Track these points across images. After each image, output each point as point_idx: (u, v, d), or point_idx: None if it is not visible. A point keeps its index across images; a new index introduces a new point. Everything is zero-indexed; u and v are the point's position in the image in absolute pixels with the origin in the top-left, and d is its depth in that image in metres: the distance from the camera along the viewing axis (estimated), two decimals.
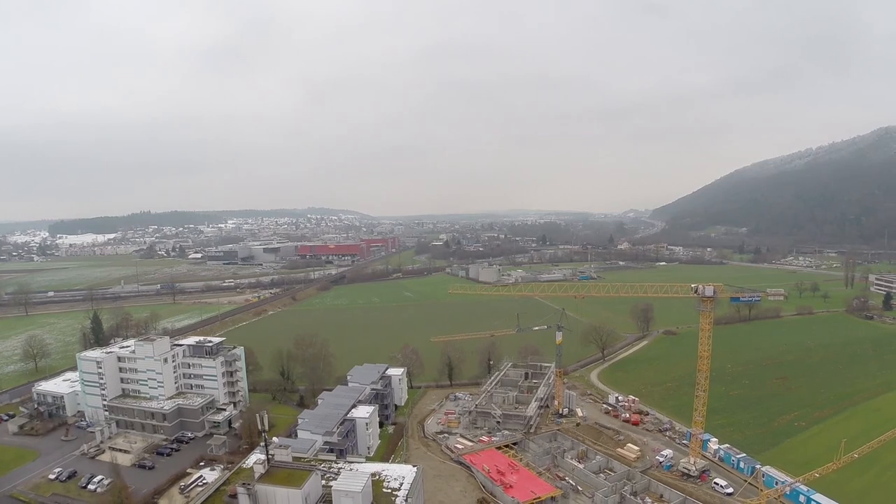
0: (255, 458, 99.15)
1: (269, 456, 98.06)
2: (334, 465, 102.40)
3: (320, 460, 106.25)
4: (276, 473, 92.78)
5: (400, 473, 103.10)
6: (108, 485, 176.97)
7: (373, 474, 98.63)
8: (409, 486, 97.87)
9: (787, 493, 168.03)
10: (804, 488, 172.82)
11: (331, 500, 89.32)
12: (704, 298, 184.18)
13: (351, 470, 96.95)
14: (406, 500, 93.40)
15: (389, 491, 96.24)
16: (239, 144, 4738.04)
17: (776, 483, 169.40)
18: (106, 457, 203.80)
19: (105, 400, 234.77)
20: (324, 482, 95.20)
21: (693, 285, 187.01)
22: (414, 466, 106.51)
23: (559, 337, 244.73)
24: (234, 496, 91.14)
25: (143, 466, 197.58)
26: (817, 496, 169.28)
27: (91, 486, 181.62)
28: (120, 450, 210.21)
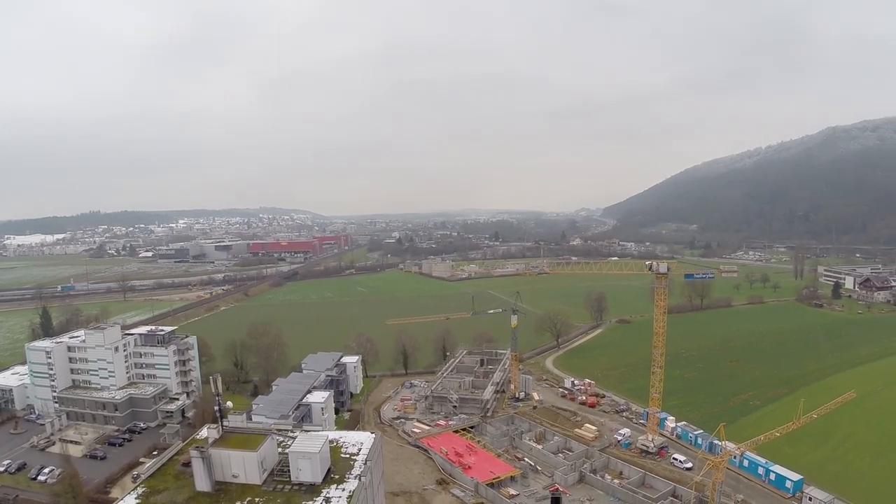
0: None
1: (224, 422, 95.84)
2: (290, 434, 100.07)
3: (277, 430, 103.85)
4: (230, 438, 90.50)
5: (358, 440, 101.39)
6: (58, 475, 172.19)
7: (331, 441, 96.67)
8: (367, 450, 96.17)
9: (737, 459, 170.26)
10: (762, 460, 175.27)
11: (287, 465, 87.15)
12: (659, 275, 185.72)
13: (308, 433, 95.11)
14: (366, 463, 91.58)
15: (348, 456, 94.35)
16: (191, 143, 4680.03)
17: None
18: (56, 448, 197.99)
19: (55, 391, 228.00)
20: (280, 449, 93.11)
21: (647, 262, 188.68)
22: (372, 433, 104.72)
23: (514, 320, 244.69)
24: (187, 464, 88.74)
25: (94, 457, 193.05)
26: (776, 467, 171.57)
27: (41, 478, 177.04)
28: (71, 441, 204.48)
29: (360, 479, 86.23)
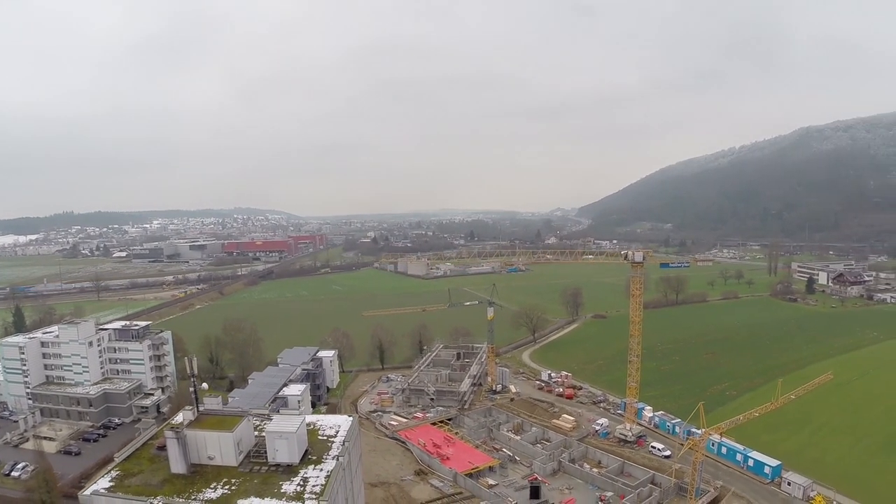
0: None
1: (199, 404, 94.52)
2: (267, 417, 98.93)
3: (254, 413, 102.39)
4: (206, 420, 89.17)
5: (335, 423, 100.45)
6: (32, 471, 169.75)
7: (308, 424, 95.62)
8: (345, 433, 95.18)
9: (714, 446, 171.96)
10: (740, 447, 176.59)
11: (264, 447, 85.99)
12: (634, 264, 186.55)
13: (284, 415, 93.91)
14: (343, 444, 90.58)
15: (325, 438, 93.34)
16: (167, 142, 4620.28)
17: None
18: (30, 445, 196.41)
19: (28, 388, 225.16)
20: (256, 432, 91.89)
21: (623, 251, 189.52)
22: (350, 416, 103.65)
23: (490, 313, 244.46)
24: (162, 448, 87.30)
25: (69, 453, 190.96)
26: (754, 454, 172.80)
27: (14, 473, 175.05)
28: (45, 437, 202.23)
29: (338, 460, 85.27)
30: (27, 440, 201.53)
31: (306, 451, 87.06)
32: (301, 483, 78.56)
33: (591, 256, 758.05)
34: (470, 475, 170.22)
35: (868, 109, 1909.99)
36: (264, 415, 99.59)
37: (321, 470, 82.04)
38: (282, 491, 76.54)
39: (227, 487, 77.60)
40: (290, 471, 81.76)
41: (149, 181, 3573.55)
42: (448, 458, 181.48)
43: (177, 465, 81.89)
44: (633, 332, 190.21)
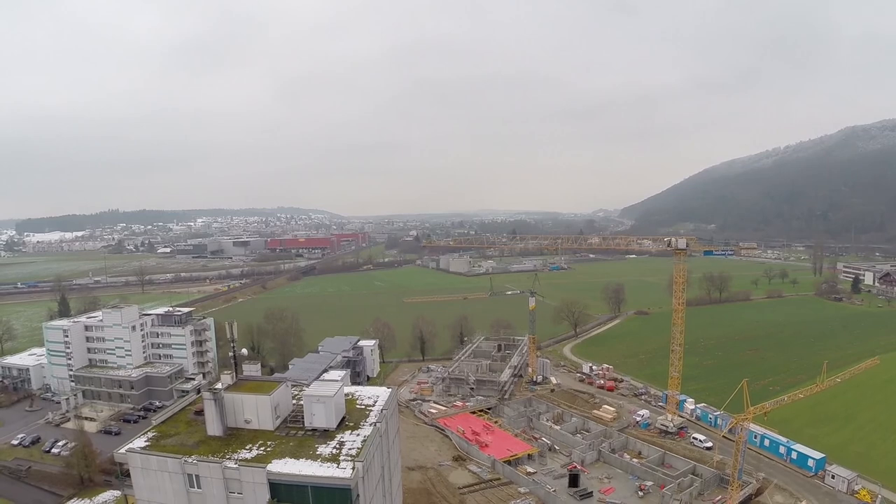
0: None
1: (238, 370, 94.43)
2: (305, 387, 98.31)
3: (292, 383, 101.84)
4: (244, 385, 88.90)
5: (374, 393, 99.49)
6: (72, 448, 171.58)
7: (346, 394, 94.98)
8: (383, 402, 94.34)
9: (753, 436, 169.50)
10: (783, 439, 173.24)
11: (301, 414, 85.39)
12: (678, 251, 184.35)
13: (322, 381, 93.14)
14: (382, 412, 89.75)
15: (363, 407, 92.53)
16: (209, 142, 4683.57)
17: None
18: (71, 424, 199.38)
19: (71, 370, 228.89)
20: (294, 401, 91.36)
21: (666, 238, 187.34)
22: (388, 388, 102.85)
23: (532, 302, 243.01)
24: (199, 412, 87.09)
25: (108, 432, 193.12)
26: (798, 446, 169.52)
27: (55, 451, 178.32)
28: (86, 418, 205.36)
29: (375, 426, 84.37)
30: (68, 420, 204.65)
31: (343, 417, 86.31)
32: (337, 446, 77.70)
33: (632, 256, 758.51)
34: (508, 462, 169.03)
35: None
36: (303, 384, 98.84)
37: (358, 435, 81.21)
38: (317, 453, 75.73)
39: (262, 449, 77.02)
40: (326, 435, 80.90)
41: (192, 181, 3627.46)
42: (487, 446, 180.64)
43: (213, 428, 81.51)
44: (676, 321, 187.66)
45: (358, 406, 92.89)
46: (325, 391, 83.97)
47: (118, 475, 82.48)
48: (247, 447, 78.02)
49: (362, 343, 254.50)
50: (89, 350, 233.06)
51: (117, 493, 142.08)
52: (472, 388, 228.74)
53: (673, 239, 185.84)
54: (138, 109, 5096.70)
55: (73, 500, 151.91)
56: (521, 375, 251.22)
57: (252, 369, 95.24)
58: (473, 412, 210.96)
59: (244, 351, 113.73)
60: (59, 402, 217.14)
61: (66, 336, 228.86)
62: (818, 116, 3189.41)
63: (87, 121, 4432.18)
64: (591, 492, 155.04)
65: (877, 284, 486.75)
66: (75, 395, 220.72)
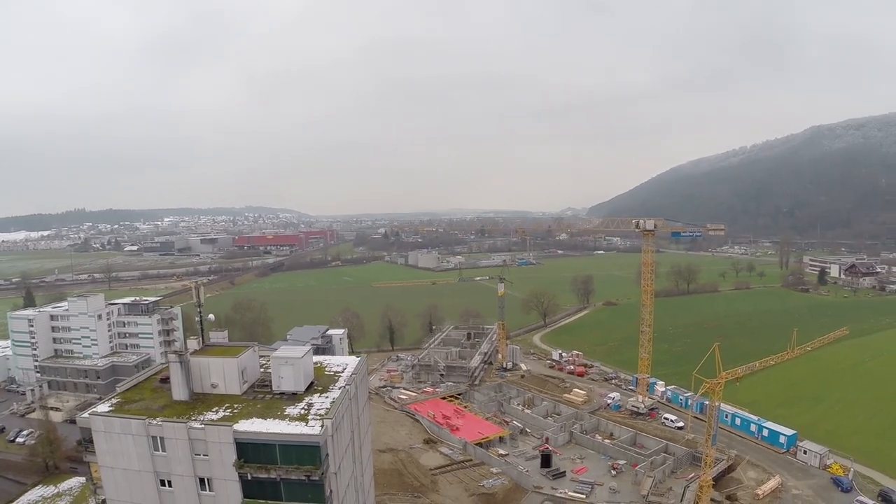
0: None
1: (205, 336, 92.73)
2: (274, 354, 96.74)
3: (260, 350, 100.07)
4: (210, 349, 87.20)
5: (343, 361, 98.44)
6: (37, 437, 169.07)
7: (315, 363, 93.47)
8: (353, 368, 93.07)
9: (725, 415, 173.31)
10: (755, 417, 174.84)
11: (269, 379, 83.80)
12: (646, 232, 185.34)
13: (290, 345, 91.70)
14: (352, 376, 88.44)
15: (332, 373, 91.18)
16: (177, 141, 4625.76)
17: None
18: (36, 414, 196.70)
19: (37, 360, 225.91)
20: (263, 369, 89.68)
21: (634, 220, 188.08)
22: (358, 356, 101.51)
23: (501, 289, 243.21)
24: (165, 380, 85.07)
25: (74, 422, 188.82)
26: (769, 424, 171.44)
27: (20, 440, 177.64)
28: (51, 408, 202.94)
29: (345, 388, 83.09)
30: (34, 410, 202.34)
31: (312, 382, 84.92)
32: (305, 407, 76.21)
33: (601, 252, 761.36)
34: (480, 444, 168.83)
35: (881, 108, 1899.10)
36: (271, 349, 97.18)
37: (327, 398, 79.85)
38: (285, 413, 74.28)
39: (228, 411, 75.31)
40: (294, 398, 79.44)
41: (160, 180, 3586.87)
42: (458, 429, 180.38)
43: (179, 392, 79.58)
44: (645, 302, 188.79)
45: (327, 373, 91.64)
46: (293, 353, 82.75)
47: (81, 441, 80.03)
48: (213, 409, 76.43)
49: (331, 332, 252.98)
50: (55, 340, 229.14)
51: (83, 479, 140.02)
52: (441, 375, 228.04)
53: (641, 220, 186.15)
54: (106, 108, 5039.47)
55: (37, 487, 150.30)
56: (490, 362, 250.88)
57: (219, 336, 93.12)
58: (444, 398, 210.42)
59: (211, 316, 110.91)
60: (24, 393, 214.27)
61: (32, 326, 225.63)
62: (785, 116, 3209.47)
63: (53, 118, 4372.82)
64: (564, 472, 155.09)
65: (842, 276, 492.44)
66: (41, 385, 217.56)
